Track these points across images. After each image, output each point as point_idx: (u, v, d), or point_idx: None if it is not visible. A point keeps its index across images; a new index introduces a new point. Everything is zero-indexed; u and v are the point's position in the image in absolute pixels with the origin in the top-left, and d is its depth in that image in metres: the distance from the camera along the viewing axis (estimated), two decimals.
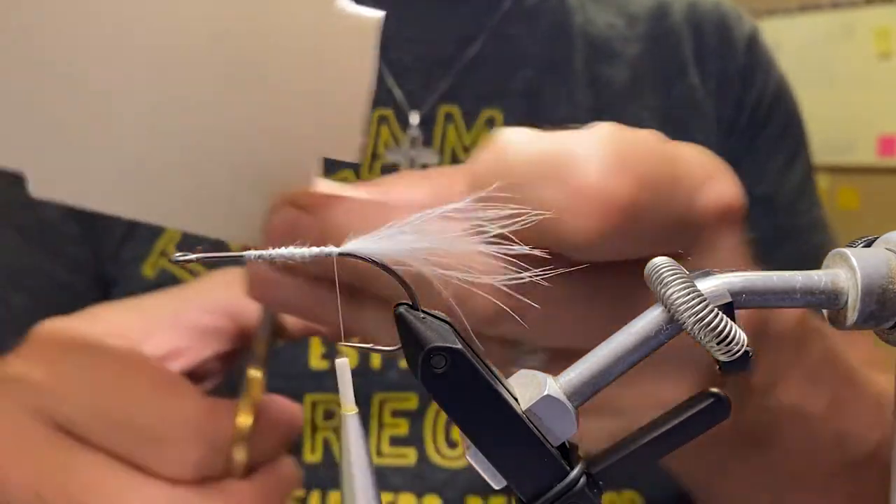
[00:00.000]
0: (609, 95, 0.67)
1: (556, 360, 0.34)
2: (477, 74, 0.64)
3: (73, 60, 0.33)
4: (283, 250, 0.26)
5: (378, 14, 0.30)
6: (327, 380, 0.60)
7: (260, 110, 0.34)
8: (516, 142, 0.32)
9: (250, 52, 0.32)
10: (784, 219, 0.71)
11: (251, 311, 0.42)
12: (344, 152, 0.35)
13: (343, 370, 0.26)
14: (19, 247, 0.65)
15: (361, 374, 0.60)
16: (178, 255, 0.26)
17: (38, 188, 0.37)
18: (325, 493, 0.59)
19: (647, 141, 0.32)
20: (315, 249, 0.26)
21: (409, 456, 0.60)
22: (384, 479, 0.60)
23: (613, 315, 0.31)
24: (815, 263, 0.47)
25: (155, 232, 0.64)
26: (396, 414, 0.60)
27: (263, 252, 0.26)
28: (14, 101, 0.34)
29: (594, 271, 0.32)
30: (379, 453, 0.60)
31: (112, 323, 0.42)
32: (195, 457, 0.37)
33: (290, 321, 0.43)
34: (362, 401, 0.60)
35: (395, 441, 0.60)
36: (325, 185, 0.36)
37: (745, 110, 0.71)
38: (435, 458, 0.60)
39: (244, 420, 0.38)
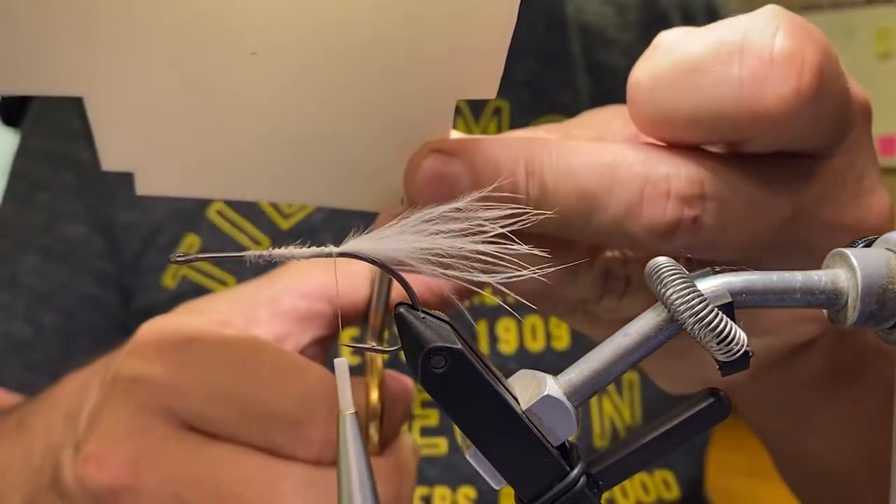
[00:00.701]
0: (609, 82, 0.68)
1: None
2: None
3: (189, 23, 0.30)
4: (282, 250, 0.26)
5: None
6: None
7: (397, 52, 0.31)
8: (679, 37, 0.31)
9: (395, 17, 0.29)
10: None
11: (350, 295, 0.41)
12: (483, 89, 0.32)
13: (342, 370, 0.26)
14: (45, 268, 0.66)
15: (392, 366, 0.60)
16: (178, 255, 0.26)
17: (147, 184, 0.36)
18: None
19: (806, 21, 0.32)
20: (315, 249, 0.26)
21: (441, 446, 0.60)
22: (418, 472, 0.60)
23: (781, 221, 0.32)
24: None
25: (173, 241, 0.64)
26: (426, 405, 0.61)
27: (263, 252, 0.26)
28: (126, 88, 0.32)
29: (766, 171, 0.32)
30: None
31: (217, 313, 0.41)
32: (335, 436, 0.36)
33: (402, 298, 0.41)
34: None
35: (426, 431, 0.61)
36: (459, 136, 0.34)
37: None
38: None
39: (374, 396, 0.37)
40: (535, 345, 0.62)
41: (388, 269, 0.26)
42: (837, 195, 0.33)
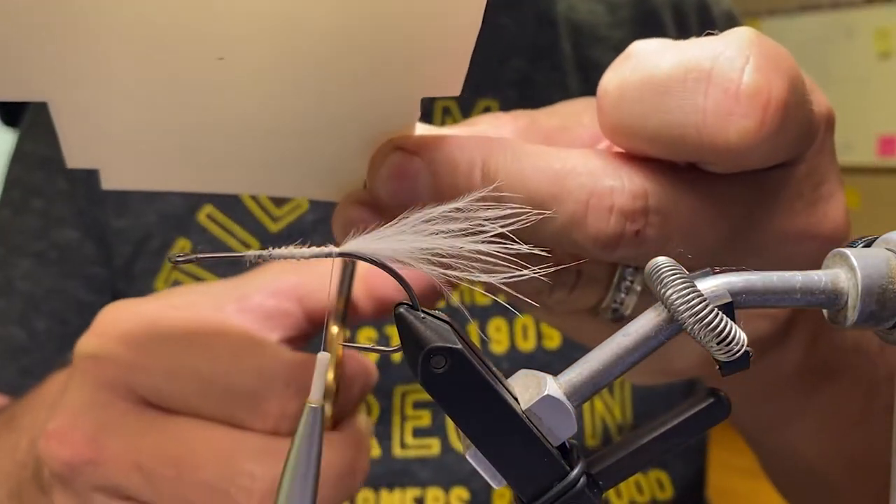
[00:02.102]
0: (600, 79, 0.68)
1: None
2: (469, 66, 0.65)
3: (156, 26, 0.30)
4: (282, 250, 0.26)
5: None
6: None
7: (362, 50, 0.31)
8: (652, 51, 0.31)
9: (359, 18, 0.30)
10: None
11: (320, 296, 0.41)
12: (448, 87, 0.33)
13: (321, 364, 0.26)
14: (38, 273, 0.66)
15: (382, 369, 0.60)
16: (178, 255, 0.26)
17: (112, 181, 0.37)
18: None
19: (776, 44, 0.32)
20: (315, 249, 0.26)
21: (434, 446, 0.60)
22: (411, 474, 0.60)
23: (731, 231, 0.32)
24: None
25: (165, 245, 0.64)
26: (418, 405, 0.61)
27: (263, 252, 0.26)
28: (89, 90, 0.33)
29: (717, 184, 0.32)
30: (403, 445, 0.60)
31: (186, 303, 0.41)
32: (294, 408, 0.36)
33: (362, 302, 0.42)
34: (384, 394, 0.60)
35: (419, 432, 0.61)
36: (424, 129, 0.35)
37: None
38: (459, 448, 0.60)
39: (330, 375, 0.38)
40: (527, 344, 0.62)
41: (388, 269, 0.26)
42: (792, 204, 0.34)
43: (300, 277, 0.41)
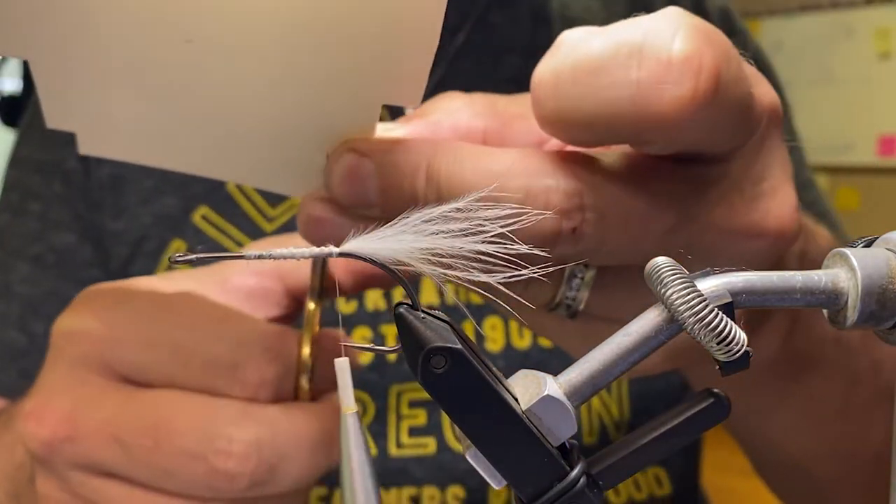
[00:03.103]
0: None
1: (603, 280, 0.35)
2: (465, 64, 0.65)
3: (128, 5, 0.32)
4: (283, 250, 0.26)
5: None
6: None
7: (326, 55, 0.33)
8: (581, 37, 0.31)
9: (324, 17, 0.31)
10: None
11: (301, 273, 0.42)
12: (407, 98, 0.34)
13: (343, 370, 0.26)
14: (36, 277, 0.66)
15: (377, 368, 0.60)
16: (177, 255, 0.26)
17: (87, 146, 0.38)
18: None
19: (709, 24, 0.32)
20: (315, 249, 0.26)
21: (430, 445, 0.60)
22: (407, 473, 0.60)
23: (669, 228, 0.33)
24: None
25: (160, 246, 0.64)
26: (414, 404, 0.61)
27: (263, 252, 0.26)
28: (67, 57, 0.34)
29: (653, 180, 0.33)
30: (399, 445, 0.60)
31: (161, 281, 0.42)
32: (272, 376, 0.37)
33: (342, 278, 0.43)
34: (380, 394, 0.60)
35: (415, 431, 0.61)
36: (383, 127, 0.36)
37: None
38: (455, 446, 0.60)
39: (306, 350, 0.38)
40: (522, 342, 0.62)
41: (388, 269, 0.26)
42: (731, 199, 0.34)
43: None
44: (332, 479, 0.58)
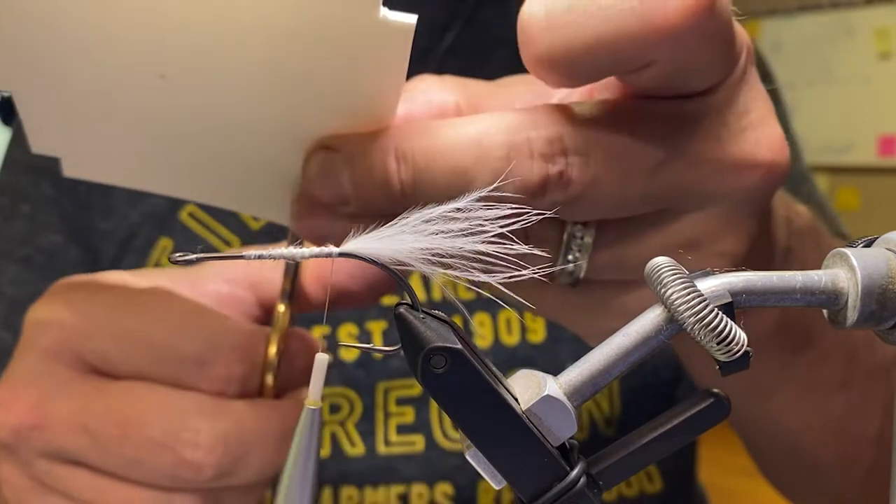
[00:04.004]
0: None
1: (603, 239, 0.36)
2: (455, 62, 0.65)
3: (105, 43, 0.33)
4: (283, 250, 0.26)
5: (413, 19, 0.31)
6: (330, 374, 0.60)
7: (294, 110, 0.35)
8: None
9: (293, 54, 0.32)
10: None
11: (273, 285, 0.42)
12: (378, 122, 0.35)
13: (320, 365, 0.26)
14: (24, 278, 0.66)
15: (364, 365, 0.60)
16: (177, 255, 0.26)
17: (72, 169, 0.39)
18: (337, 488, 0.59)
19: None
20: (315, 249, 0.26)
21: (418, 443, 0.60)
22: (395, 470, 0.60)
23: (657, 165, 0.33)
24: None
25: (148, 245, 0.64)
26: (402, 402, 0.61)
27: (263, 252, 0.26)
28: (49, 89, 0.35)
29: (633, 120, 0.33)
30: (387, 443, 0.60)
31: (134, 276, 0.42)
32: (240, 372, 0.38)
33: (312, 291, 0.43)
34: (367, 391, 0.60)
35: (403, 429, 0.61)
36: None
37: None
38: (443, 443, 0.60)
39: (272, 349, 0.39)
40: (511, 339, 0.62)
41: (388, 270, 0.26)
42: (718, 133, 0.34)
43: (252, 265, 0.42)
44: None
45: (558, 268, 0.36)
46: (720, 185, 0.34)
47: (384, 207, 0.33)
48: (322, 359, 0.26)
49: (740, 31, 0.34)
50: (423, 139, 0.33)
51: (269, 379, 0.39)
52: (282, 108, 0.35)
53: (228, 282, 0.42)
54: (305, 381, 0.42)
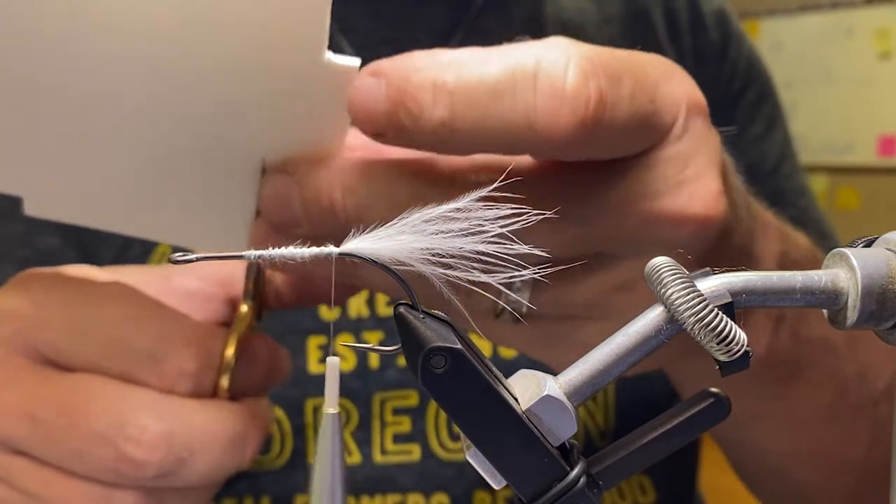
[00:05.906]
0: None
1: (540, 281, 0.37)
2: None
3: (63, 83, 0.34)
4: (282, 250, 0.26)
5: (357, 62, 0.34)
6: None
7: (242, 147, 0.37)
8: (472, 58, 0.34)
9: (240, 93, 0.35)
10: (769, 185, 0.71)
11: (240, 281, 0.42)
12: (328, 149, 0.37)
13: (333, 369, 0.26)
14: None
15: (360, 376, 0.60)
16: (177, 255, 0.26)
17: (33, 207, 0.41)
18: None
19: (604, 49, 0.35)
20: (315, 249, 0.26)
21: (414, 452, 0.60)
22: (391, 480, 0.60)
23: (583, 221, 0.35)
24: (803, 227, 0.49)
25: (146, 250, 0.64)
26: (398, 412, 0.61)
27: (263, 252, 0.26)
28: (8, 127, 0.37)
29: (553, 178, 0.36)
30: (384, 452, 0.60)
31: (100, 271, 0.42)
32: (192, 369, 0.38)
33: (283, 288, 0.43)
34: (363, 401, 0.60)
35: (399, 438, 0.60)
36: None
37: (721, 84, 0.71)
38: (440, 453, 0.60)
39: (230, 350, 0.39)
40: (509, 351, 0.62)
41: (388, 270, 0.26)
42: (654, 187, 0.35)
43: (221, 263, 0.43)
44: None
45: (501, 306, 0.37)
46: (652, 235, 0.36)
47: (332, 231, 0.34)
48: (333, 362, 0.26)
49: (676, 90, 0.36)
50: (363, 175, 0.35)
51: (225, 381, 0.39)
52: (239, 140, 0.37)
53: (200, 279, 0.42)
54: (266, 388, 0.42)
